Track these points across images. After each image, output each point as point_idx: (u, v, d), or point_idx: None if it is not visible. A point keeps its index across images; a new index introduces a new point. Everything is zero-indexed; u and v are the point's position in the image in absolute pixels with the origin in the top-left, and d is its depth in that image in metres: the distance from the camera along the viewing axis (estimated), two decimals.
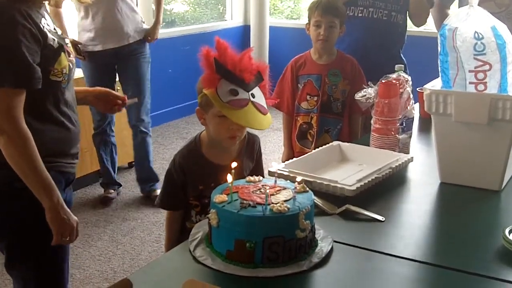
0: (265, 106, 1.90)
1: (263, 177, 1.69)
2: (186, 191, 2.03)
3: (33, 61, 1.76)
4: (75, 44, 4.04)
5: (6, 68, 1.73)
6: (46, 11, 1.94)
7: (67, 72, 1.90)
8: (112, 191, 4.34)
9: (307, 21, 3.06)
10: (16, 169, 1.76)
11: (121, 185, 4.45)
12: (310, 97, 3.02)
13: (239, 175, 1.85)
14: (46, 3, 1.91)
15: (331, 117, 3.03)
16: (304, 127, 3.05)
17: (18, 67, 1.74)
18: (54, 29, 1.92)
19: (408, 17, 3.38)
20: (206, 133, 2.03)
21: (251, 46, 6.63)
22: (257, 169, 2.13)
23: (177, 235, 2.09)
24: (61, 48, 1.88)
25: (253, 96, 1.86)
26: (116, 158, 4.40)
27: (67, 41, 1.97)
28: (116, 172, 4.41)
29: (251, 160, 2.11)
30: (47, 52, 1.82)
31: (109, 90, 2.23)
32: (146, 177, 4.38)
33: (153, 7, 4.52)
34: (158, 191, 4.25)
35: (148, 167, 4.35)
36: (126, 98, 2.26)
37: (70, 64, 1.93)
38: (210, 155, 2.02)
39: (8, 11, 1.74)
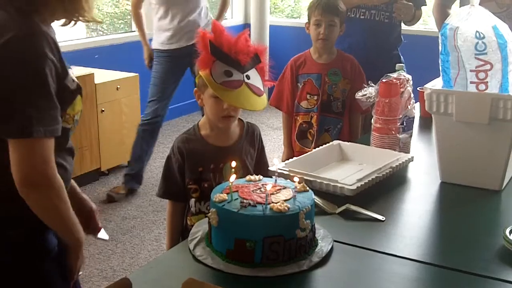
0: (261, 87, 1.94)
1: (268, 169, 1.69)
2: (184, 178, 2.03)
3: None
4: (150, 57, 4.39)
5: (35, 114, 1.45)
6: None
7: (78, 118, 1.65)
8: (123, 191, 4.34)
9: (307, 20, 3.06)
10: (47, 219, 1.55)
11: (141, 184, 4.47)
12: (310, 96, 3.01)
13: (239, 158, 1.90)
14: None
15: (331, 117, 3.02)
16: (304, 127, 3.04)
17: (47, 112, 1.48)
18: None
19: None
20: (205, 115, 2.06)
21: None
22: (261, 160, 2.16)
23: (179, 233, 2.09)
24: (79, 89, 1.62)
25: (247, 77, 1.90)
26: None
27: (73, 69, 1.67)
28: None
29: (252, 146, 2.12)
30: (63, 94, 1.55)
31: (95, 211, 1.88)
32: (135, 176, 4.49)
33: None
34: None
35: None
36: (100, 230, 1.92)
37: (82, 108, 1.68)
38: (209, 138, 2.04)
39: (38, 40, 1.48)
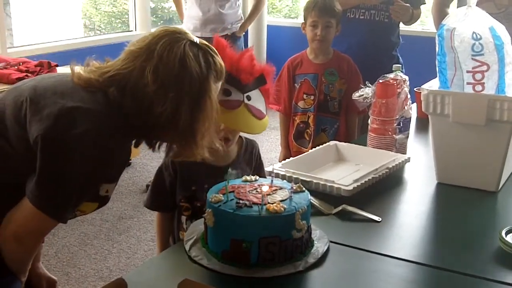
0: (262, 110, 1.83)
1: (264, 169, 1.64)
2: (173, 193, 1.93)
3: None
4: None
5: (69, 202, 1.47)
6: None
7: (77, 215, 1.62)
8: None
9: (303, 21, 3.06)
10: (12, 265, 1.54)
11: None
12: (307, 96, 3.02)
13: (234, 177, 1.81)
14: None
15: (328, 116, 3.03)
16: (301, 127, 3.05)
17: (76, 205, 1.50)
18: None
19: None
20: None
21: (249, 44, 6.62)
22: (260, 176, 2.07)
23: (168, 240, 2.01)
24: (101, 200, 1.58)
25: (248, 98, 1.80)
26: None
27: None
28: None
29: (249, 165, 2.02)
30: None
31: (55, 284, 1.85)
32: None
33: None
34: None
35: None
36: None
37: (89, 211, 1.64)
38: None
39: (115, 152, 1.48)
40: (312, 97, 3.00)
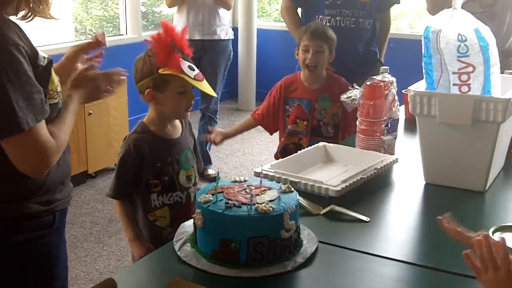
0: None
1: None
2: (137, 177, 2.02)
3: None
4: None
5: (22, 104, 1.45)
6: None
7: (61, 90, 1.64)
8: (211, 171, 4.68)
9: (297, 47, 2.98)
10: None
11: (211, 163, 4.82)
12: (299, 121, 2.93)
13: (188, 147, 2.11)
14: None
15: (322, 140, 2.92)
16: (291, 147, 2.92)
17: (33, 98, 1.48)
18: None
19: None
20: (154, 113, 2.07)
21: (239, 48, 6.63)
22: (196, 153, 2.24)
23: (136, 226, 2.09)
24: (50, 63, 1.59)
25: (198, 68, 2.02)
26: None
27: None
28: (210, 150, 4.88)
29: (191, 135, 2.23)
30: (39, 73, 1.53)
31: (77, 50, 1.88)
32: (202, 157, 4.58)
33: None
34: (209, 170, 4.69)
35: (205, 149, 4.75)
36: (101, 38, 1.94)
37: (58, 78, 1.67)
38: (160, 133, 2.07)
39: (4, 29, 1.46)
40: (305, 123, 2.90)
